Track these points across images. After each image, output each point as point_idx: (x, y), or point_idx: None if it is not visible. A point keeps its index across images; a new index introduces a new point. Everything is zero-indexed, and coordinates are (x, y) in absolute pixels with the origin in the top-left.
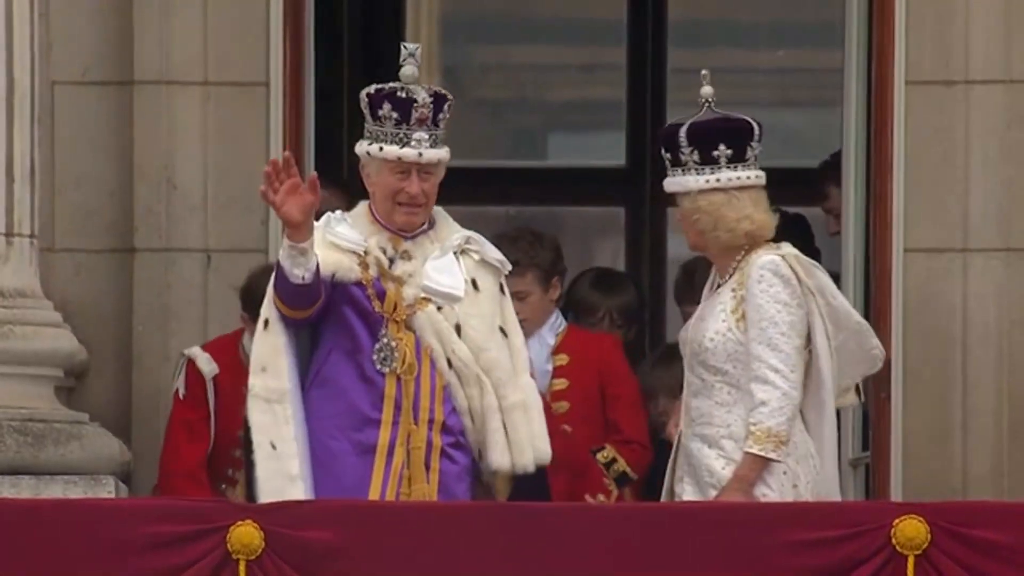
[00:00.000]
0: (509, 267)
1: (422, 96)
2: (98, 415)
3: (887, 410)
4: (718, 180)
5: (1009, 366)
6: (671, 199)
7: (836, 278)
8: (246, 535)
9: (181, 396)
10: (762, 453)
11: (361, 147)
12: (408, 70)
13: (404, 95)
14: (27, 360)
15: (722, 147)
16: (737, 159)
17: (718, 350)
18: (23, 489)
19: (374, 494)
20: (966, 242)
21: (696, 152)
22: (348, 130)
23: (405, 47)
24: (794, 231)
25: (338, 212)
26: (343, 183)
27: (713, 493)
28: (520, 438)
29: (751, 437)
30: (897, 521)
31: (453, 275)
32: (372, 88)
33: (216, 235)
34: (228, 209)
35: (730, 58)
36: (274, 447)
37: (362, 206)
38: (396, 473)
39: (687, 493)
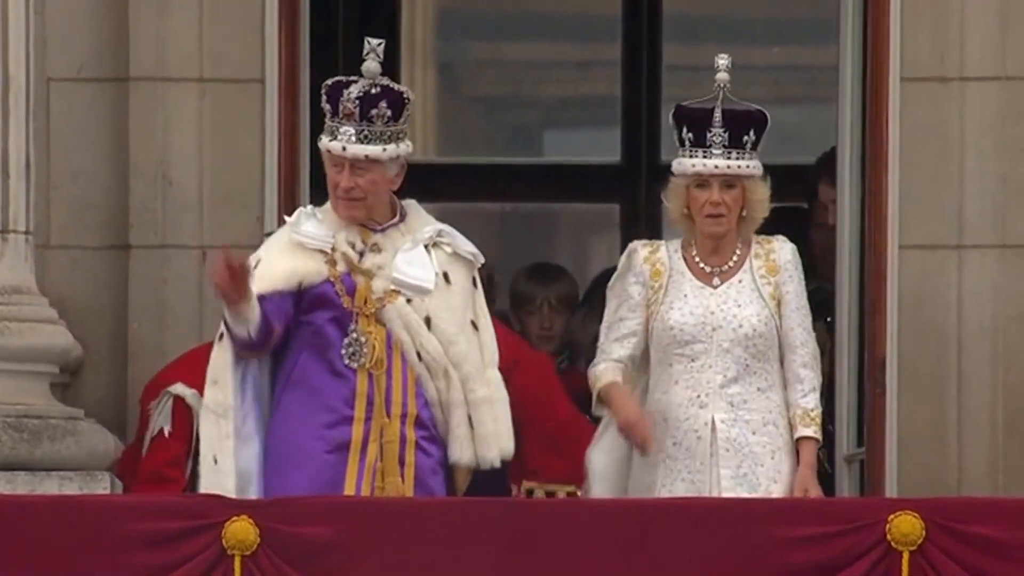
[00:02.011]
0: (482, 260)
1: (349, 91)
2: (93, 411)
3: (882, 406)
4: (758, 167)
5: (1004, 362)
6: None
7: (831, 273)
8: (241, 531)
9: (167, 434)
10: (819, 438)
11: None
12: (370, 65)
13: (336, 90)
14: (22, 356)
15: (752, 132)
16: (755, 147)
17: (768, 335)
18: (18, 485)
19: (348, 490)
20: (961, 238)
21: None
22: None
23: (368, 42)
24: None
25: (309, 207)
26: None
27: (765, 481)
28: (486, 433)
29: (813, 423)
30: (892, 517)
31: (423, 267)
32: (330, 80)
33: (211, 231)
34: (223, 205)
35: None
36: (215, 461)
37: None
38: (370, 468)
39: (724, 479)
